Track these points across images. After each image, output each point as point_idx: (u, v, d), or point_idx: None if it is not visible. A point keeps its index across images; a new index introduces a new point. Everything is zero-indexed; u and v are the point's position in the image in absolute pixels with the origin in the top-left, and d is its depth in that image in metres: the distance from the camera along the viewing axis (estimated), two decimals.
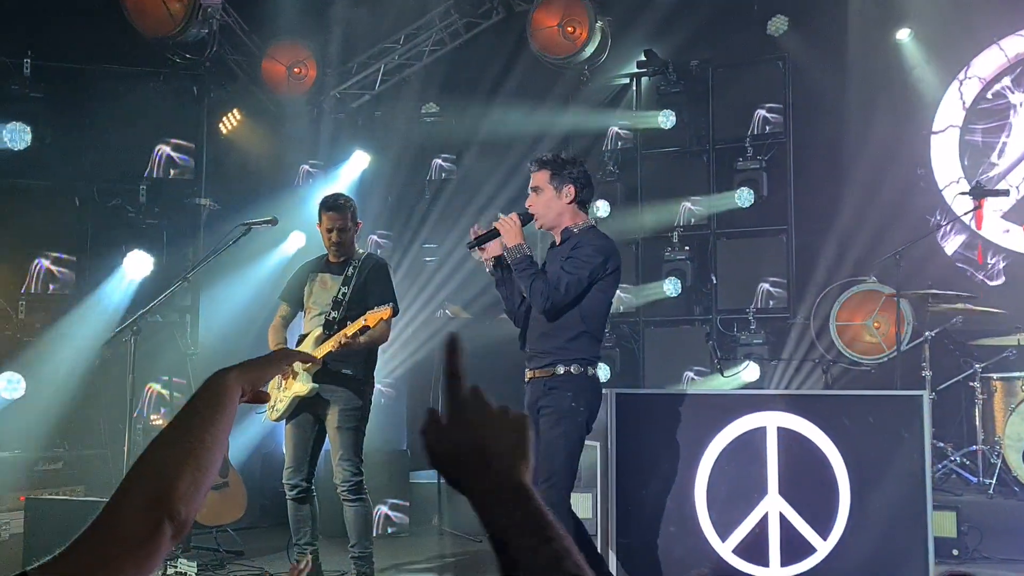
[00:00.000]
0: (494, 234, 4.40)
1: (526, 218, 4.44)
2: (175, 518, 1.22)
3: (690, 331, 8.38)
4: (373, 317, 4.96)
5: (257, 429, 6.79)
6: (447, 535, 6.86)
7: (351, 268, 5.26)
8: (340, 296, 5.21)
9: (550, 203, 4.44)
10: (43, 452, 5.63)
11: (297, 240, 7.80)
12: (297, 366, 5.12)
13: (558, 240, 4.52)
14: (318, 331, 5.17)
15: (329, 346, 4.98)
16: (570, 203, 4.44)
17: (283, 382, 5.18)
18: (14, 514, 5.06)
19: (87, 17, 7.11)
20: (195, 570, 5.07)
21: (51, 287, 6.96)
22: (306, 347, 5.18)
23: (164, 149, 7.32)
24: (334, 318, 5.19)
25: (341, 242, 5.23)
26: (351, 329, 4.98)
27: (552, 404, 4.33)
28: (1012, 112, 7.96)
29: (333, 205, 5.21)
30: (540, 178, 4.46)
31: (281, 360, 1.71)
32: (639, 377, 8.19)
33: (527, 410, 4.47)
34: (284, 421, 5.23)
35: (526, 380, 4.49)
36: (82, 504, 4.86)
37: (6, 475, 5.30)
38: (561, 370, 4.34)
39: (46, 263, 6.96)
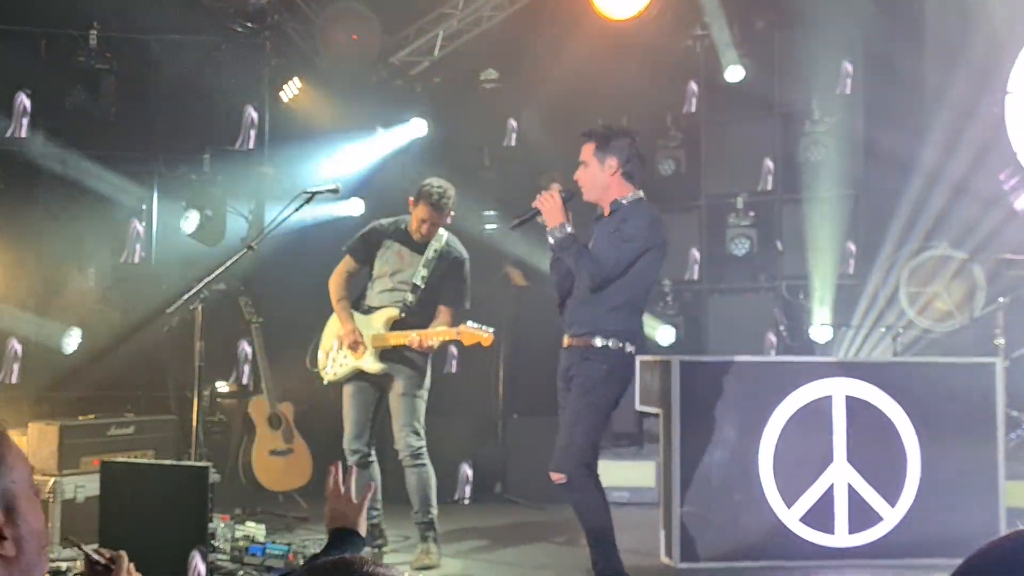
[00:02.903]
0: (535, 213, 4.39)
1: (568, 195, 4.43)
2: None
3: (755, 299, 8.27)
4: (470, 337, 4.95)
5: (324, 396, 6.86)
6: (508, 502, 6.88)
7: (432, 251, 5.26)
8: (419, 281, 5.22)
9: (595, 176, 4.44)
10: (115, 417, 5.75)
11: (356, 206, 7.83)
12: (367, 340, 5.17)
13: (606, 211, 4.48)
14: (393, 312, 5.21)
15: (408, 341, 5.01)
16: (614, 175, 4.42)
17: (345, 348, 5.22)
18: (89, 477, 5.18)
19: None
20: (263, 533, 5.15)
21: (126, 257, 7.11)
22: (377, 325, 5.20)
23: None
24: (411, 303, 5.22)
25: (429, 233, 5.25)
26: (443, 337, 5.01)
27: (585, 374, 4.35)
28: None
29: (436, 203, 5.17)
30: (586, 151, 4.46)
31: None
32: (703, 345, 8.11)
33: (561, 376, 4.48)
34: (341, 385, 5.29)
35: (564, 346, 4.48)
36: (153, 468, 4.96)
37: (80, 439, 5.42)
38: (599, 342, 4.33)
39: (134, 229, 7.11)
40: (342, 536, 2.43)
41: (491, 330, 5.02)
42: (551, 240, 4.36)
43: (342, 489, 2.52)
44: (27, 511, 1.56)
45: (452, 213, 5.28)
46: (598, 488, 4.40)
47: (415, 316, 5.23)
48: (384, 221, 5.48)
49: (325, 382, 5.42)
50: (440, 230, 5.33)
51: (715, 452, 5.19)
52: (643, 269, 4.40)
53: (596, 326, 4.35)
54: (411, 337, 5.06)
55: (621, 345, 4.35)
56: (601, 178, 4.42)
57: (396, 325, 5.21)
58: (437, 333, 5.08)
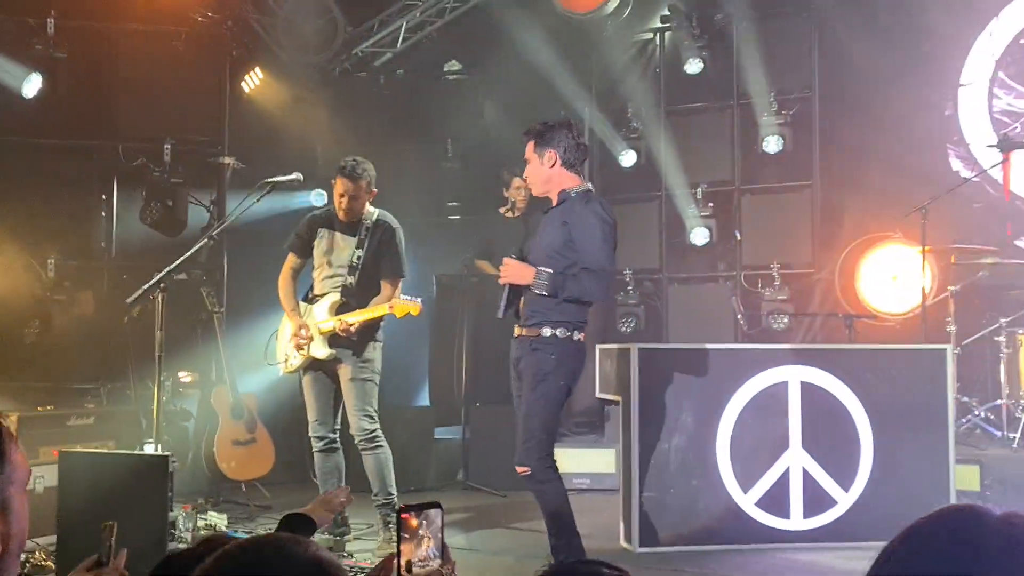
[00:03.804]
0: (511, 288, 4.48)
1: (518, 254, 4.55)
2: None
3: (714, 288, 8.37)
4: (401, 309, 5.02)
5: (284, 386, 6.87)
6: (471, 489, 6.94)
7: (364, 230, 5.32)
8: (355, 261, 5.29)
9: (537, 170, 4.55)
10: (75, 408, 5.73)
11: (318, 197, 7.83)
12: (313, 329, 5.22)
13: (555, 201, 4.56)
14: (335, 297, 5.27)
15: (354, 319, 5.08)
16: (554, 166, 4.50)
17: (293, 344, 5.28)
18: (48, 468, 5.15)
19: None
20: (225, 522, 5.17)
21: (86, 247, 7.06)
22: (322, 312, 5.26)
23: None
24: (350, 284, 5.28)
25: (352, 208, 5.28)
26: (376, 313, 5.07)
27: (534, 365, 4.41)
28: None
29: (349, 173, 5.26)
30: (528, 149, 4.57)
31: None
32: (663, 334, 8.20)
33: (513, 366, 4.55)
34: (300, 374, 5.33)
35: (514, 335, 4.55)
36: (112, 457, 4.95)
37: (40, 430, 5.40)
38: (547, 332, 4.39)
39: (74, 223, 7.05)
40: (293, 521, 2.47)
41: (420, 299, 5.10)
42: (544, 293, 4.38)
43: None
44: (20, 511, 1.58)
45: (374, 189, 5.35)
46: (558, 476, 4.47)
47: (358, 296, 5.28)
48: (316, 212, 5.59)
49: (282, 373, 5.48)
50: (369, 207, 5.37)
51: (673, 438, 5.27)
52: None
53: (545, 316, 4.41)
54: (335, 324, 5.14)
55: (569, 334, 4.41)
56: (543, 172, 4.52)
57: (341, 308, 5.27)
58: (365, 313, 5.14)
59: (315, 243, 5.41)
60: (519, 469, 4.43)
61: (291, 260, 5.48)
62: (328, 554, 1.38)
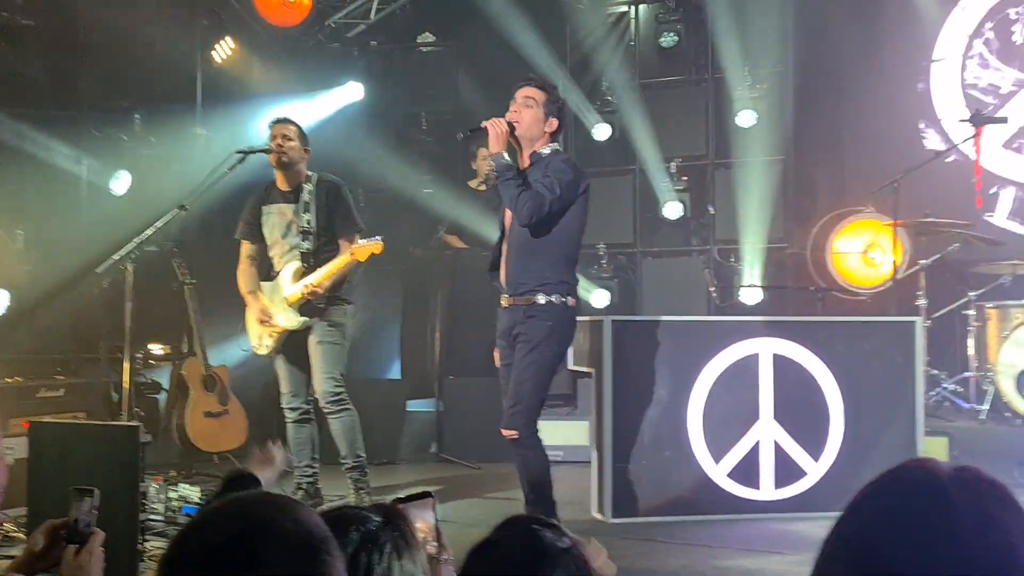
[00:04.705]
0: (483, 132, 4.45)
1: (512, 126, 4.50)
2: None
3: (688, 262, 8.40)
4: (363, 252, 5.02)
5: (258, 358, 6.85)
6: (444, 461, 6.95)
7: (307, 193, 5.28)
8: (307, 225, 5.24)
9: (537, 122, 4.51)
10: (45, 379, 5.69)
11: None
12: (279, 304, 5.20)
13: (525, 163, 4.54)
14: (296, 265, 5.23)
15: (320, 279, 5.06)
16: (547, 132, 4.53)
17: (261, 322, 5.25)
18: (18, 440, 5.11)
19: None
20: (198, 494, 5.15)
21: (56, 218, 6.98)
22: (286, 284, 5.24)
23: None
24: (308, 249, 5.24)
25: (290, 159, 5.23)
26: (339, 264, 5.06)
27: (529, 332, 4.42)
28: (1013, 39, 7.88)
29: (280, 119, 5.32)
30: (538, 96, 4.50)
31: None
32: (637, 307, 8.22)
33: (501, 336, 4.55)
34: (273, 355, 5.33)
35: (504, 306, 4.54)
36: (82, 428, 4.91)
37: (9, 402, 5.35)
38: (542, 300, 4.41)
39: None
40: (236, 480, 2.40)
41: (379, 238, 5.09)
42: (491, 164, 4.47)
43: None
44: None
45: (307, 148, 5.35)
46: (542, 445, 4.49)
47: (319, 261, 5.25)
48: (254, 193, 5.52)
49: (264, 355, 5.45)
50: (307, 171, 5.34)
51: (646, 410, 5.30)
52: (573, 218, 4.50)
53: (538, 283, 4.42)
54: (302, 290, 5.11)
55: (564, 300, 4.44)
56: (539, 127, 4.51)
57: (304, 276, 5.23)
58: (328, 269, 5.12)
59: (263, 222, 5.36)
60: (506, 433, 4.43)
61: (245, 248, 5.44)
62: (320, 525, 1.31)
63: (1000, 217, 7.77)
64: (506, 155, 4.44)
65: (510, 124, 4.47)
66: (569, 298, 4.47)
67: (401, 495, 1.92)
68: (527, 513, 4.43)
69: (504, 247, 4.62)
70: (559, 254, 4.48)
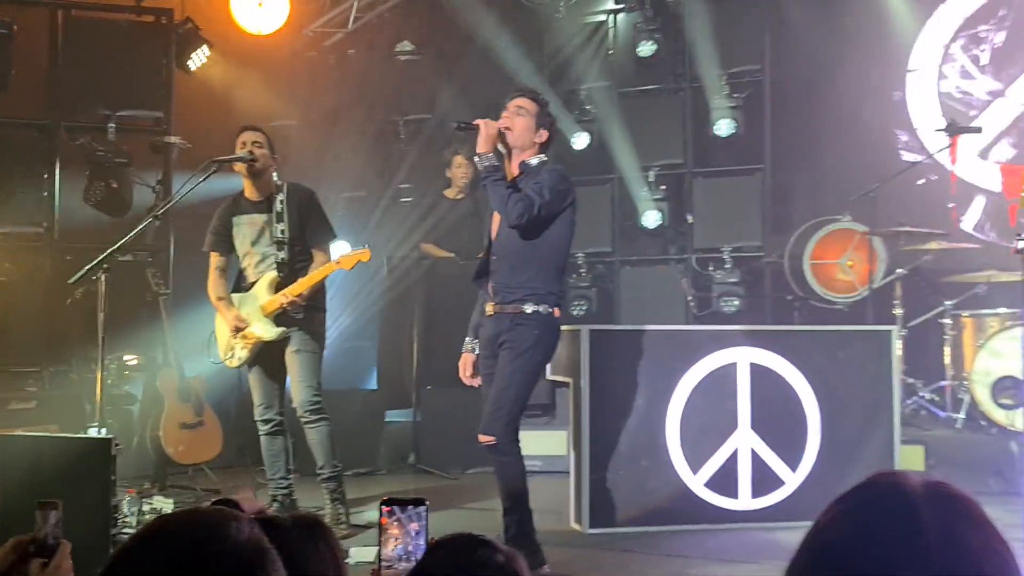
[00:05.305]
0: (476, 129, 4.41)
1: (501, 137, 4.48)
2: None
3: (666, 271, 8.40)
4: (349, 260, 4.98)
5: (233, 369, 6.80)
6: (422, 472, 6.91)
7: (279, 202, 5.23)
8: (281, 235, 5.19)
9: (528, 131, 4.49)
10: (15, 392, 5.61)
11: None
12: (254, 314, 5.14)
13: (514, 172, 4.53)
14: (272, 275, 5.18)
15: (301, 288, 5.02)
16: (536, 144, 4.51)
17: (237, 332, 5.20)
18: None
19: None
20: (172, 506, 5.09)
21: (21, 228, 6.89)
22: (261, 293, 5.18)
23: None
24: (283, 259, 5.19)
25: (261, 167, 5.19)
26: (324, 273, 5.02)
27: (516, 340, 4.40)
28: (989, 48, 7.94)
29: (249, 126, 5.28)
30: (530, 106, 4.49)
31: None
32: (615, 317, 8.22)
33: (487, 344, 4.52)
34: (247, 367, 5.27)
35: (488, 314, 4.51)
36: (53, 441, 4.84)
37: None
38: (530, 309, 4.39)
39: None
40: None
41: (366, 246, 5.08)
42: (479, 165, 4.43)
43: None
44: None
45: (276, 155, 5.33)
46: (520, 453, 4.47)
47: (294, 270, 5.20)
48: (223, 204, 5.46)
49: (234, 366, 5.38)
50: (277, 180, 5.31)
51: (624, 419, 5.29)
52: (560, 227, 4.47)
53: (527, 292, 4.40)
54: (281, 300, 5.06)
55: (551, 310, 4.43)
56: (530, 137, 4.50)
57: (280, 286, 5.17)
58: (311, 278, 5.08)
59: (233, 233, 5.31)
60: (483, 438, 4.40)
61: (215, 260, 5.37)
62: (254, 540, 1.29)
63: (968, 225, 7.82)
64: (493, 157, 4.41)
65: (502, 132, 4.45)
66: (555, 308, 4.46)
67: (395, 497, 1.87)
68: (505, 522, 4.42)
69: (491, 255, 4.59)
70: (549, 263, 4.46)
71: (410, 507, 1.86)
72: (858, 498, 1.23)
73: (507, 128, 4.46)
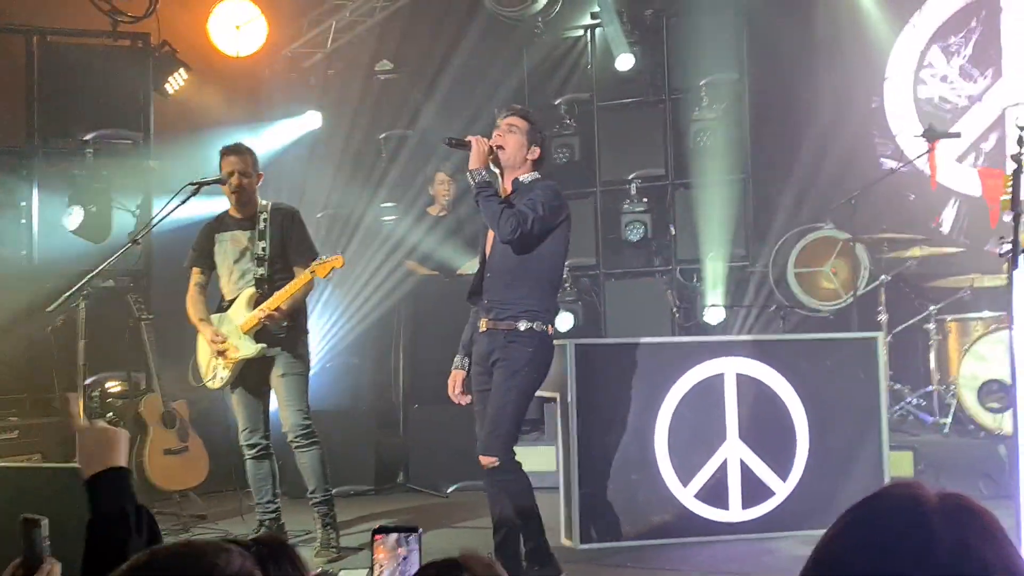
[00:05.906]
0: (467, 146, 4.39)
1: (492, 154, 4.46)
2: None
3: (650, 282, 8.39)
4: (323, 268, 4.96)
5: (218, 393, 6.75)
6: (412, 491, 6.87)
7: (262, 220, 5.20)
8: (262, 252, 5.16)
9: (520, 148, 4.46)
10: None
11: None
12: (233, 332, 5.10)
13: (507, 190, 4.51)
14: (250, 291, 5.14)
15: (278, 301, 4.98)
16: (528, 162, 4.49)
17: (217, 352, 5.15)
18: None
19: None
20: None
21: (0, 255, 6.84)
22: (240, 310, 5.14)
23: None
24: (263, 275, 5.15)
25: (244, 189, 5.16)
26: (300, 283, 4.98)
27: (510, 357, 4.36)
28: (964, 54, 7.99)
29: (234, 149, 5.19)
30: (521, 124, 4.48)
31: None
32: (600, 330, 8.20)
33: (480, 360, 4.48)
34: (229, 389, 5.22)
35: (482, 330, 4.48)
36: (34, 471, 4.78)
37: None
38: (523, 326, 4.36)
39: None
40: (107, 481, 1.97)
41: (340, 252, 5.07)
42: (471, 180, 4.40)
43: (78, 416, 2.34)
44: None
45: (260, 173, 5.29)
46: (520, 467, 4.44)
47: (274, 287, 5.15)
48: (207, 222, 5.42)
49: (217, 387, 5.31)
50: (260, 199, 5.28)
51: (612, 433, 5.26)
52: (556, 243, 4.45)
53: (519, 309, 4.37)
54: (258, 315, 5.02)
55: (545, 327, 4.40)
56: (522, 154, 4.47)
57: (258, 302, 5.12)
58: (287, 290, 5.04)
59: (216, 250, 5.28)
60: (484, 460, 4.36)
61: (195, 276, 5.31)
62: (244, 570, 1.28)
63: (945, 229, 7.85)
64: (485, 173, 4.39)
65: (494, 150, 4.44)
66: (550, 326, 4.44)
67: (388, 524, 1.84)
68: (496, 543, 4.39)
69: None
70: (543, 280, 4.44)
71: (402, 535, 1.83)
72: (869, 508, 1.21)
73: (499, 147, 4.45)
